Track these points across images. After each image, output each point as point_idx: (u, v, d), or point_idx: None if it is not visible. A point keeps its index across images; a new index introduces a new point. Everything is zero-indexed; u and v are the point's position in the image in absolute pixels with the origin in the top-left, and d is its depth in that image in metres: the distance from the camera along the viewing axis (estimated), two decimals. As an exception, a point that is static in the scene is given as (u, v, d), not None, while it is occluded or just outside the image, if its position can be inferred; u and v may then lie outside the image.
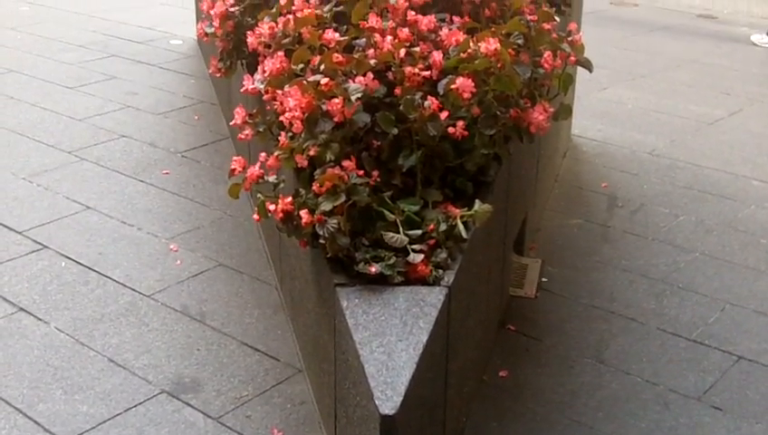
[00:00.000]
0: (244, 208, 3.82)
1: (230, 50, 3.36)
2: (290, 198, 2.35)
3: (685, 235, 3.93)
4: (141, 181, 4.30)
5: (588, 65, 2.95)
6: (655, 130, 5.23)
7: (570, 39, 2.90)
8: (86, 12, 7.73)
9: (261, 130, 2.69)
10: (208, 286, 3.40)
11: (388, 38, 2.59)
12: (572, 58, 2.86)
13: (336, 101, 2.38)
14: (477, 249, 2.59)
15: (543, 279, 3.52)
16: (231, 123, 2.74)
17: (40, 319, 3.18)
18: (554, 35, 2.89)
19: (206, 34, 3.35)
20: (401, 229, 2.34)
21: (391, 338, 2.08)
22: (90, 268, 3.50)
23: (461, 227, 2.37)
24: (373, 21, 2.67)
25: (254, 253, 3.64)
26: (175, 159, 4.58)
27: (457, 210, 2.39)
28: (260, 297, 3.33)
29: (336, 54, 2.50)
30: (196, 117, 5.18)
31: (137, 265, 3.54)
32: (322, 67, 2.53)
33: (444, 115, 2.44)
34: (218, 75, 3.46)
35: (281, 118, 2.45)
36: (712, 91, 6.08)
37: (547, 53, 2.74)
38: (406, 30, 2.63)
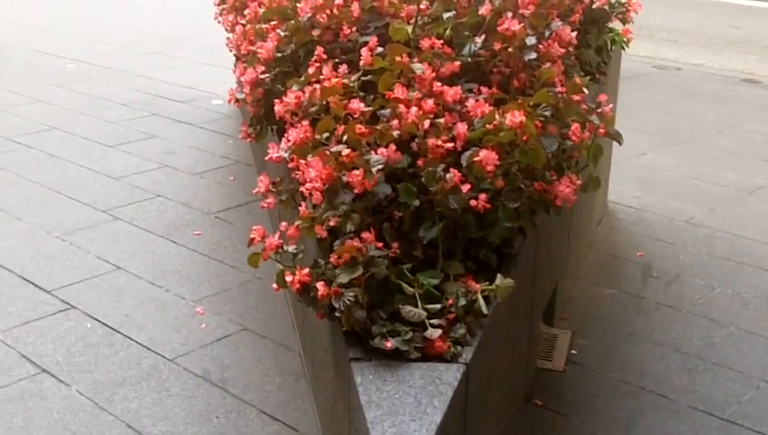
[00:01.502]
0: (272, 272, 3.77)
1: (260, 116, 3.37)
2: (307, 270, 2.32)
3: (721, 308, 3.83)
4: (173, 242, 4.31)
5: (617, 138, 2.91)
6: (693, 197, 5.15)
7: (599, 110, 2.86)
8: (131, 70, 7.87)
9: (284, 198, 2.68)
10: (231, 351, 3.37)
11: (413, 109, 2.58)
12: (602, 130, 2.82)
13: (357, 172, 2.36)
14: (500, 324, 2.54)
15: (573, 351, 3.44)
16: (254, 191, 2.74)
17: (62, 381, 3.17)
18: (584, 106, 2.85)
19: (237, 100, 3.37)
20: (420, 303, 2.30)
21: (404, 417, 2.03)
22: (115, 330, 3.50)
23: (481, 302, 2.32)
24: (399, 91, 2.66)
25: (279, 318, 3.61)
26: (208, 220, 4.59)
27: (478, 285, 2.35)
28: (283, 364, 3.30)
29: (359, 126, 2.49)
30: (232, 177, 5.21)
31: (162, 327, 3.53)
32: (346, 137, 2.52)
33: (466, 188, 2.41)
34: (248, 140, 3.47)
35: (301, 188, 2.44)
36: (752, 159, 5.99)
37: (575, 126, 2.71)
38: (431, 101, 2.61)
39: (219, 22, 5.17)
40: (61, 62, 8.22)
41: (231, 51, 4.35)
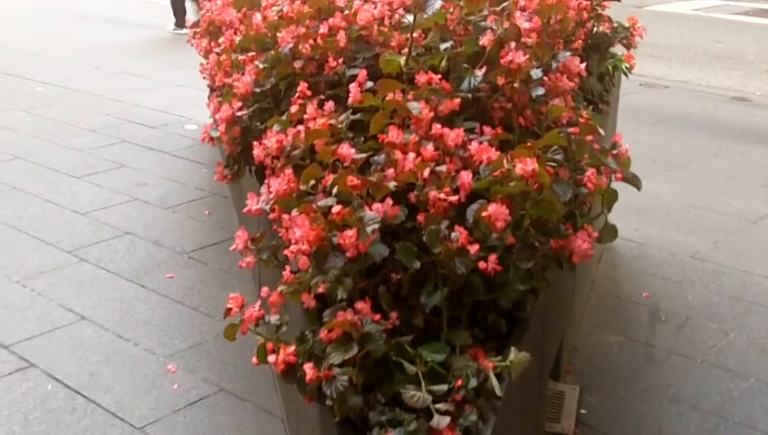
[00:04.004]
0: (252, 322, 3.49)
1: (237, 155, 3.06)
2: (293, 348, 2.02)
3: (737, 356, 3.55)
4: (143, 287, 3.98)
5: (636, 182, 2.62)
6: (695, 228, 4.88)
7: (615, 152, 2.58)
8: (101, 93, 7.54)
9: (264, 257, 2.37)
10: (207, 417, 3.05)
11: (411, 155, 2.28)
12: (619, 175, 2.54)
13: (349, 233, 2.05)
14: (512, 396, 2.23)
15: (582, 411, 3.14)
16: (231, 248, 2.43)
17: (17, 456, 2.85)
18: (597, 146, 2.57)
19: (212, 138, 3.06)
20: (423, 384, 1.99)
21: None
22: (78, 392, 3.17)
23: (494, 382, 2.02)
24: (394, 135, 2.36)
25: (259, 375, 3.29)
26: (181, 261, 4.27)
27: (490, 364, 2.05)
28: (264, 432, 2.97)
29: (350, 177, 2.18)
30: (207, 212, 4.89)
31: (130, 389, 3.20)
32: (335, 190, 2.22)
33: (474, 249, 2.10)
34: (224, 182, 3.16)
35: (285, 251, 2.13)
36: (752, 184, 5.74)
37: (590, 171, 2.42)
38: (430, 146, 2.32)
39: (192, 45, 4.86)
40: (29, 84, 7.87)
41: (204, 79, 4.04)
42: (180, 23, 10.29)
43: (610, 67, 3.86)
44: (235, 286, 3.96)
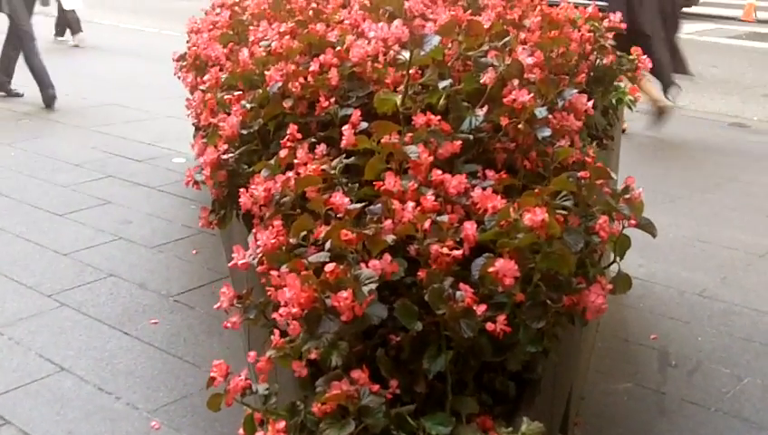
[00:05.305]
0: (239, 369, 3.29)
1: (223, 199, 2.88)
2: (283, 424, 1.83)
3: (752, 403, 3.37)
4: (126, 334, 3.79)
5: (651, 230, 2.45)
6: (702, 264, 4.71)
7: (627, 196, 2.40)
8: (88, 125, 7.38)
9: (252, 316, 2.19)
10: (192, 481, 2.86)
11: (409, 205, 2.10)
12: (632, 221, 2.37)
13: (344, 294, 1.87)
14: (522, 469, 2.05)
15: (592, 467, 2.96)
16: (215, 307, 2.24)
17: None
18: (607, 190, 2.40)
19: (196, 182, 2.88)
20: (427, 461, 1.82)
21: None
22: (54, 454, 2.98)
23: (504, 458, 1.84)
24: (390, 181, 2.18)
25: (249, 433, 3.09)
26: (166, 305, 4.07)
27: (500, 438, 1.86)
28: (254, 498, 2.77)
29: (345, 231, 2.01)
30: (194, 251, 4.70)
31: (110, 449, 3.01)
32: (327, 244, 2.04)
33: (481, 309, 1.92)
34: (210, 227, 2.98)
35: (274, 314, 1.95)
36: (758, 216, 5.57)
37: (603, 219, 2.25)
38: (430, 194, 2.14)
39: (179, 78, 4.69)
40: (13, 116, 7.71)
41: (189, 116, 3.87)
42: (60, 32, 11.78)
43: (614, 100, 3.70)
44: (222, 333, 3.77)
